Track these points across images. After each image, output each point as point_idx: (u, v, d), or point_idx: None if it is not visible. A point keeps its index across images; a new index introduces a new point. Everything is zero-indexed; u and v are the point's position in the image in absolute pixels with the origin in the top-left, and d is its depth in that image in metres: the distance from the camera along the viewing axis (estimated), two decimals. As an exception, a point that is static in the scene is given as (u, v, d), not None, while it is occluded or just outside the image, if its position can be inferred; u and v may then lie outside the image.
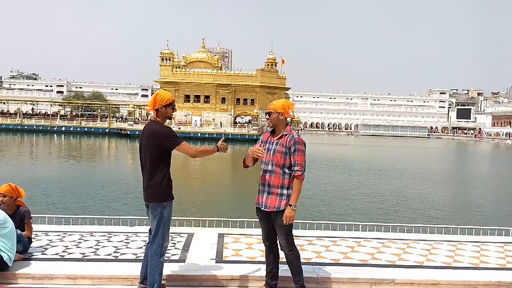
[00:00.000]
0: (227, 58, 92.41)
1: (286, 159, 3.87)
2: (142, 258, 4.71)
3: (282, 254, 4.10)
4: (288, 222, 3.82)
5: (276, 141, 3.96)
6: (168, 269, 4.19)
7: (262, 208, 3.98)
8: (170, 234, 4.06)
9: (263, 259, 4.37)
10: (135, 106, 66.38)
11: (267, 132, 4.17)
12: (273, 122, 3.99)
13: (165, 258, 4.28)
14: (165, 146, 3.77)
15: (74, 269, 4.31)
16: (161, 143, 3.76)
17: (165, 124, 3.91)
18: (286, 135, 3.93)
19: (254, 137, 54.43)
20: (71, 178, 19.80)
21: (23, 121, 59.69)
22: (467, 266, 4.92)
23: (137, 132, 55.15)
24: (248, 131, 58.09)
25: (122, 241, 5.34)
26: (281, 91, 64.23)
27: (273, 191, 3.90)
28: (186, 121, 59.45)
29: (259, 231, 5.92)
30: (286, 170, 3.89)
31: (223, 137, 4.27)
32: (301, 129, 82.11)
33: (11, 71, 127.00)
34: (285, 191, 3.89)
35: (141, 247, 5.09)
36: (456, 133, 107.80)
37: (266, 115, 4.08)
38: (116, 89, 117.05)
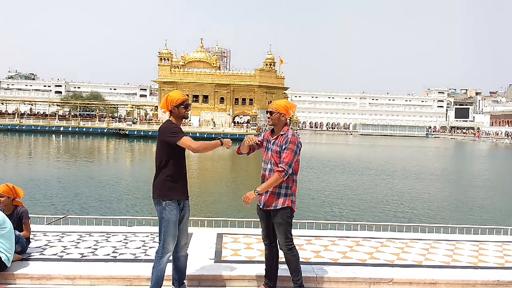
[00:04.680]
0: (225, 58, 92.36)
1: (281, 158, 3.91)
2: (141, 258, 4.72)
3: (281, 254, 4.11)
4: (245, 201, 3.87)
5: (273, 140, 4.01)
6: (167, 269, 4.18)
7: (261, 207, 4.01)
8: None
9: (262, 259, 4.37)
10: (134, 106, 66.35)
11: (268, 130, 4.20)
12: (274, 121, 4.02)
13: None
14: (167, 140, 3.75)
15: (72, 269, 4.31)
16: (164, 138, 3.77)
17: (173, 122, 3.86)
18: (282, 134, 3.97)
19: (253, 136, 54.39)
20: (70, 178, 19.78)
21: (21, 121, 59.55)
22: (465, 265, 4.93)
23: (135, 132, 55.14)
24: (247, 131, 58.09)
25: (120, 241, 5.33)
26: (280, 91, 64.26)
27: (271, 190, 3.93)
28: (185, 121, 59.41)
29: (258, 231, 5.93)
30: None
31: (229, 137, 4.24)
32: (300, 129, 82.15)
33: (9, 71, 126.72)
34: (283, 191, 3.92)
35: (139, 247, 5.09)
36: (455, 132, 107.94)
37: (267, 113, 4.09)
38: (115, 89, 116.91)
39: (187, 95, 61.14)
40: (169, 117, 3.91)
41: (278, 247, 4.07)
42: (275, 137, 4.02)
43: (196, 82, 62.46)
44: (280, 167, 3.83)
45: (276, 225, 3.97)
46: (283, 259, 4.06)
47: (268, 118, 4.06)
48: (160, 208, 3.80)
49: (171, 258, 4.01)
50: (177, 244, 3.96)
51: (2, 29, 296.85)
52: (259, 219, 4.19)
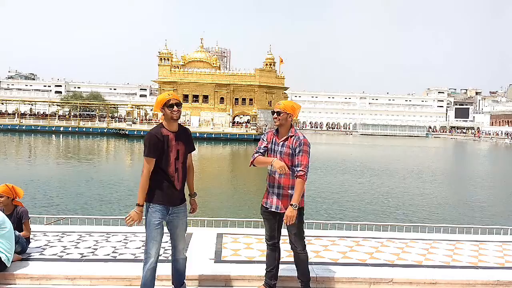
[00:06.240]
0: (225, 58, 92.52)
1: (293, 160, 3.89)
2: (141, 258, 4.71)
3: (282, 254, 4.10)
4: (289, 222, 3.80)
5: (282, 142, 3.96)
6: (167, 269, 4.18)
7: (273, 209, 3.96)
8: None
9: (262, 259, 4.36)
10: (134, 106, 66.30)
11: (270, 131, 4.14)
12: (281, 121, 3.96)
13: (164, 258, 4.26)
14: None
15: (72, 270, 4.31)
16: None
17: (163, 127, 3.80)
18: (292, 136, 3.94)
19: (253, 136, 54.45)
20: (70, 178, 19.77)
21: (21, 121, 59.55)
22: (465, 265, 4.93)
23: (135, 132, 55.13)
24: (246, 131, 58.11)
25: (120, 241, 5.33)
26: (280, 91, 64.24)
27: (284, 193, 3.90)
28: (184, 121, 59.39)
29: (258, 231, 5.94)
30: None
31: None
32: (300, 129, 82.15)
33: (9, 71, 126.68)
34: None
35: (139, 247, 5.09)
36: (455, 132, 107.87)
37: (274, 114, 3.99)
38: (115, 89, 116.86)
39: (187, 95, 61.84)
40: (163, 119, 3.88)
41: (291, 247, 4.06)
42: (283, 138, 3.96)
43: (196, 82, 62.42)
44: (301, 170, 3.81)
45: (292, 228, 3.93)
46: (283, 259, 4.05)
47: (275, 118, 3.99)
48: (145, 210, 3.78)
49: (172, 259, 3.99)
50: (175, 248, 3.94)
51: (2, 29, 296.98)
52: (262, 220, 4.16)
